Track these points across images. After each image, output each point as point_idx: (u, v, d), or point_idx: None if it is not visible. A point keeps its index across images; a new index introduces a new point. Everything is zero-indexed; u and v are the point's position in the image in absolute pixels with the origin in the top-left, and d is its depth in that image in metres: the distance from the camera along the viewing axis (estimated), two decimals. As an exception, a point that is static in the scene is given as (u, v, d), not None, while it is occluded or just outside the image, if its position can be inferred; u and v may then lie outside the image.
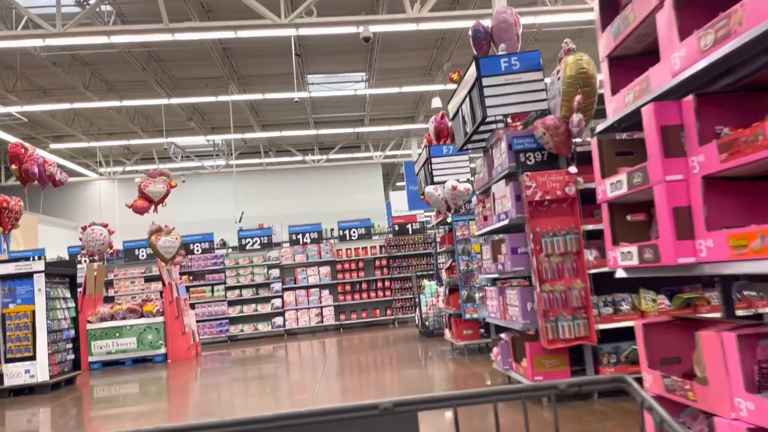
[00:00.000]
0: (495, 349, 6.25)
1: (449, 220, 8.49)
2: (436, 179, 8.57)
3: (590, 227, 5.26)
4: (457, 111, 6.29)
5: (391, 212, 21.37)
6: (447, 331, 9.31)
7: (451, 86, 17.59)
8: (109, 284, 14.68)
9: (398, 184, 30.10)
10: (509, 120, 6.25)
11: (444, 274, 9.32)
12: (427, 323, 11.25)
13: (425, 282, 11.52)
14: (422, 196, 12.27)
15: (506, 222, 5.42)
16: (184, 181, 21.88)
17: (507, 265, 5.42)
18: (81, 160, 22.90)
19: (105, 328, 11.66)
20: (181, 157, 23.36)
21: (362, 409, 1.02)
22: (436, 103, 17.53)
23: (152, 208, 11.92)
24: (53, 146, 20.48)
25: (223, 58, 15.73)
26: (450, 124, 9.14)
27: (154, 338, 11.72)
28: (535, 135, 5.28)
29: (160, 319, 11.78)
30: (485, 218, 6.31)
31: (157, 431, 1.01)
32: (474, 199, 6.62)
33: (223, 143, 22.94)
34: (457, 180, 8.44)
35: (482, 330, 8.57)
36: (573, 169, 5.18)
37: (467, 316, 8.32)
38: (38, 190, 24.03)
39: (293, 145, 23.23)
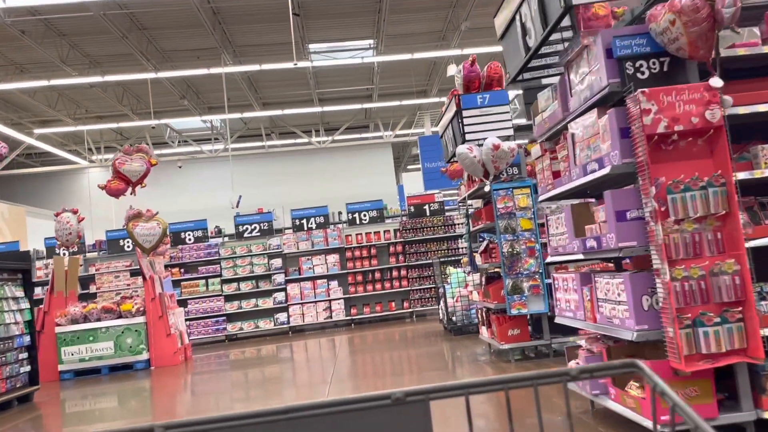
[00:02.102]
0: (573, 364, 4.25)
1: (487, 189, 6.48)
2: (468, 138, 6.56)
3: (741, 175, 3.24)
4: (511, 21, 4.26)
5: (404, 195, 19.36)
6: (483, 330, 7.33)
7: (470, 51, 15.51)
8: (90, 279, 12.81)
9: (409, 167, 28.05)
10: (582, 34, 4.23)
11: (479, 259, 7.32)
12: (453, 318, 9.28)
13: (450, 269, 9.53)
14: (444, 169, 10.28)
15: (605, 172, 3.40)
16: (180, 167, 19.97)
17: (607, 240, 3.41)
18: (71, 147, 21.03)
19: (76, 331, 9.77)
20: (178, 141, 21.43)
21: (375, 399, 0.99)
22: (452, 70, 15.44)
23: (130, 189, 9.98)
24: (38, 131, 18.59)
25: (214, 25, 13.73)
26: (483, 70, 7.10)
27: (135, 342, 9.82)
28: (653, 30, 3.25)
29: (141, 319, 9.87)
30: (555, 175, 4.30)
31: (168, 425, 0.95)
32: (535, 150, 4.60)
33: (222, 125, 20.98)
34: (498, 137, 6.42)
35: (531, 329, 6.59)
36: (717, 82, 3.15)
37: (513, 311, 6.33)
38: (25, 181, 22.23)
39: (297, 125, 21.21)
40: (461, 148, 6.41)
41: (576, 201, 4.47)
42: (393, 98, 19.17)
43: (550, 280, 6.45)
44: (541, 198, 4.54)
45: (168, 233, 9.94)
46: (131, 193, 9.92)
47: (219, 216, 17.58)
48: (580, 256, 3.92)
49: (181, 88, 17.18)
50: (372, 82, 18.05)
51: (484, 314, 7.19)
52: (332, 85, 18.20)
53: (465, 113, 6.59)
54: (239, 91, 17.65)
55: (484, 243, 7.29)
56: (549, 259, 4.50)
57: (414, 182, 19.63)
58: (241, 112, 18.72)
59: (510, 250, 6.36)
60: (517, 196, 6.42)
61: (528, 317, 6.52)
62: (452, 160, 7.80)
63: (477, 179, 6.85)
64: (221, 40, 14.39)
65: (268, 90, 18.48)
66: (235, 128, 21.11)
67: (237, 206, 15.21)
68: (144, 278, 9.99)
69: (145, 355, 9.84)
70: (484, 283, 7.12)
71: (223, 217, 17.59)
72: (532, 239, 6.36)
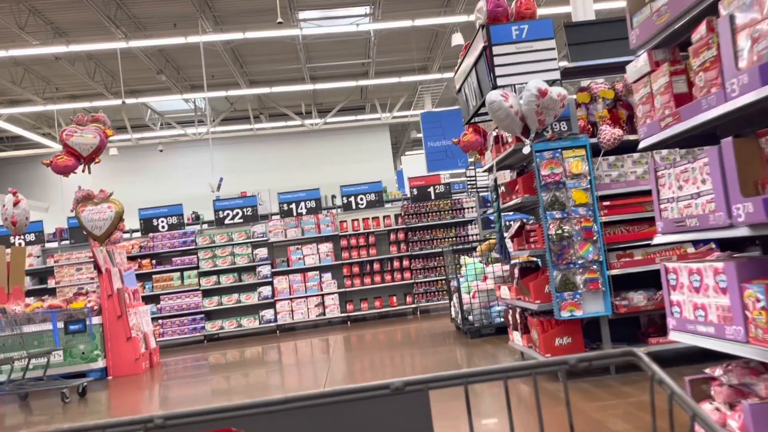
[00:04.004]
0: (711, 408, 2.54)
1: (526, 150, 4.75)
2: (500, 82, 4.82)
3: None
4: None
5: (404, 181, 17.62)
6: (516, 335, 5.62)
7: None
8: (48, 273, 11.06)
9: (408, 153, 26.26)
10: None
11: (511, 245, 5.59)
12: (470, 317, 7.57)
13: (466, 259, 7.80)
14: (456, 140, 8.56)
15: None
16: (161, 150, 18.17)
17: None
18: (44, 130, 19.18)
19: (18, 335, 8.01)
20: (161, 124, 19.60)
21: (373, 389, 0.96)
22: (458, 40, 13.70)
23: (82, 167, 8.22)
24: (4, 111, 16.74)
25: (189, -16, 11.94)
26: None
27: (88, 347, 8.09)
28: None
29: (96, 320, 8.14)
30: (680, 100, 2.56)
31: (167, 416, 0.93)
32: (637, 68, 2.86)
33: (207, 106, 19.15)
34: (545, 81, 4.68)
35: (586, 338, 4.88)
36: None
37: (564, 314, 4.62)
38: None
39: (288, 106, 19.37)
40: (493, 96, 4.67)
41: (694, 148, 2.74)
42: (391, 75, 17.39)
43: (612, 272, 4.76)
44: (645, 143, 2.80)
45: (123, 218, 8.19)
46: (83, 170, 8.16)
47: (204, 203, 15.83)
48: (744, 232, 2.19)
49: (158, 62, 15.35)
50: (368, 56, 16.27)
51: (517, 316, 5.47)
52: (325, 59, 16.39)
53: (495, 50, 4.84)
54: (224, 66, 15.86)
55: (516, 224, 5.57)
56: (660, 239, 2.77)
57: (415, 166, 17.85)
58: (225, 90, 16.91)
59: (558, 232, 4.64)
60: (567, 159, 4.69)
61: (581, 322, 4.82)
62: (471, 121, 6.07)
63: (511, 139, 5.11)
64: (199, 5, 12.58)
65: (255, 66, 16.67)
66: (221, 109, 19.30)
67: (218, 189, 13.44)
68: (99, 272, 8.25)
69: (100, 363, 8.11)
70: (517, 275, 5.41)
71: (209, 205, 15.84)
72: (589, 217, 4.64)
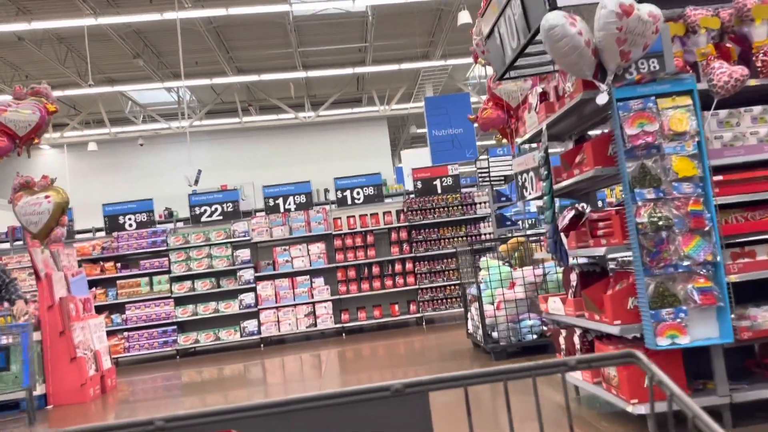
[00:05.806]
0: None
1: (602, 100, 3.19)
2: (561, 2, 3.25)
3: None
4: None
5: (404, 177, 16.03)
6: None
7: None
8: (-4, 278, 9.42)
9: (406, 150, 24.66)
10: None
11: (568, 242, 4.00)
12: (494, 334, 5.98)
13: (489, 260, 6.19)
14: (474, 117, 7.03)
15: None
16: (142, 145, 16.57)
17: None
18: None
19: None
20: (143, 117, 17.99)
21: (373, 390, 0.95)
22: (464, 18, 12.19)
23: (18, 148, 6.62)
24: (-32, 102, 15.08)
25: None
26: None
27: (23, 370, 6.46)
28: None
29: (34, 336, 6.52)
30: None
31: (168, 418, 0.92)
32: None
33: (192, 98, 17.54)
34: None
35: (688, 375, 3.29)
36: None
37: (662, 342, 3.03)
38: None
39: (279, 98, 17.76)
40: (555, 18, 3.09)
41: None
42: (390, 63, 15.81)
43: (731, 278, 3.18)
44: None
45: (65, 211, 6.56)
46: (18, 153, 6.56)
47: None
48: None
49: (135, 46, 13.76)
50: (365, 41, 14.70)
51: (575, 339, 3.88)
52: (318, 44, 14.81)
53: (556, -45, 3.26)
54: (208, 52, 14.29)
55: (570, 212, 3.99)
56: None
57: (416, 160, 16.24)
58: (210, 78, 15.31)
59: (652, 219, 3.06)
60: (665, 111, 3.12)
61: (681, 351, 3.24)
62: (505, 76, 4.49)
63: (572, 89, 3.53)
64: (176, -24, 11.03)
65: (242, 51, 15.08)
66: (207, 100, 17.70)
67: (195, 183, 11.84)
68: (38, 277, 6.63)
69: (37, 389, 6.48)
70: (576, 283, 3.82)
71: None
72: (699, 198, 3.07)
